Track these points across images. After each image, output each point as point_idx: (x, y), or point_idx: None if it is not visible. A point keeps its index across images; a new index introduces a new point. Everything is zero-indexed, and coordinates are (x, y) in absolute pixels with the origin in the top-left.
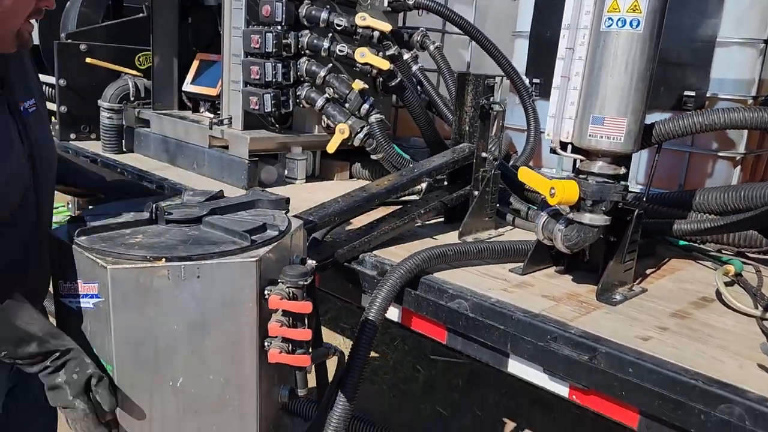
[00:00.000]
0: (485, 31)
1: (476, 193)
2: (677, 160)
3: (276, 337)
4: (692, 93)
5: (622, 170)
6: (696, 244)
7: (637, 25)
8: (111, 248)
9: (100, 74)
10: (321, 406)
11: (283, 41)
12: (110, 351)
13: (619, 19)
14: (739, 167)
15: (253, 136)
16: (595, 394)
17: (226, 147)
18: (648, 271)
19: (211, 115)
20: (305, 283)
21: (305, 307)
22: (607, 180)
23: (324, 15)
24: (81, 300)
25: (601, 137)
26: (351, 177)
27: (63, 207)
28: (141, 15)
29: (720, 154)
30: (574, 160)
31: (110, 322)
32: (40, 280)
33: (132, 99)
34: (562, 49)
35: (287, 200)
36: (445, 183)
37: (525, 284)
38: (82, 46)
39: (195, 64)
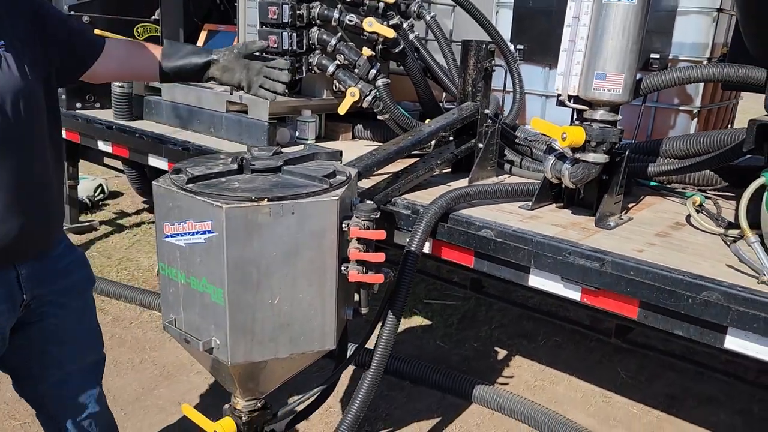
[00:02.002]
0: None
1: (481, 145)
2: (645, 114)
3: (352, 261)
4: (657, 55)
5: (619, 117)
6: (664, 185)
7: None
8: (220, 192)
9: None
10: (372, 322)
11: (297, 12)
12: (222, 276)
13: None
14: (695, 119)
15: (272, 102)
16: (603, 294)
17: (244, 111)
18: (630, 205)
19: None
20: (376, 216)
21: (380, 234)
22: (607, 125)
23: None
24: (191, 237)
25: (604, 90)
26: (353, 138)
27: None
28: None
29: (680, 108)
30: (573, 113)
31: (224, 252)
32: (48, 209)
33: None
34: (569, 18)
35: (340, 152)
36: (451, 138)
37: (535, 216)
38: (85, 18)
39: (203, 34)
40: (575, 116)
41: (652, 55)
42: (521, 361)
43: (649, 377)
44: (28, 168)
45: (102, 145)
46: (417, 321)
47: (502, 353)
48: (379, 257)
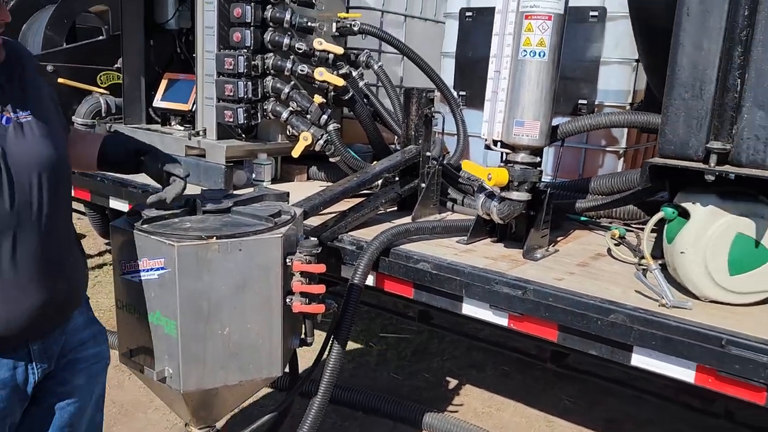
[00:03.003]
0: (415, 50)
1: (423, 185)
2: (576, 156)
3: (296, 293)
4: (584, 101)
5: (538, 159)
6: (593, 219)
7: (543, 56)
8: (173, 231)
9: (65, 93)
10: (319, 352)
11: (252, 63)
12: (175, 309)
13: (531, 51)
14: (622, 159)
15: (229, 145)
16: (527, 319)
17: (202, 155)
18: (558, 239)
19: (181, 128)
20: (317, 251)
21: (320, 268)
22: (527, 166)
23: (286, 40)
24: (146, 274)
25: (523, 136)
26: (308, 179)
27: None
28: (101, 38)
29: (607, 149)
30: (502, 155)
31: (176, 287)
32: (71, 282)
33: (104, 115)
34: (491, 72)
35: (287, 194)
36: (396, 179)
37: (469, 250)
38: (49, 67)
39: (164, 82)
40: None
41: (580, 101)
42: (470, 389)
43: (590, 402)
44: (53, 238)
45: None
46: (372, 354)
47: (452, 383)
48: (320, 289)
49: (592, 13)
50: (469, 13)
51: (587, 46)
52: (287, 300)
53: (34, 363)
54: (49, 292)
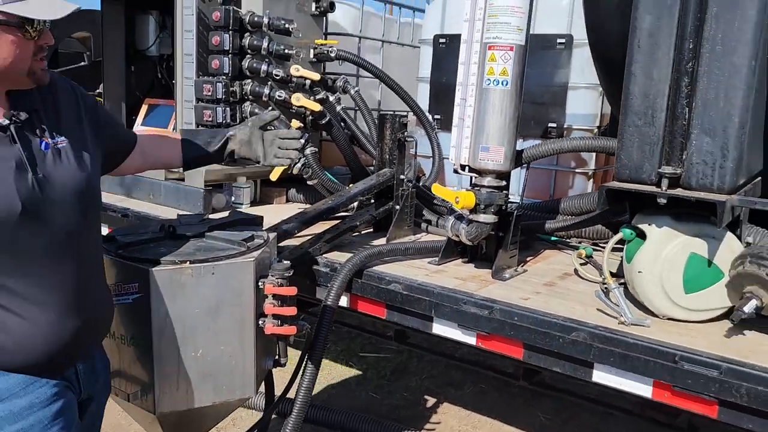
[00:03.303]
0: (392, 75)
1: (398, 207)
2: (547, 177)
3: (268, 315)
4: (554, 125)
5: (504, 183)
6: (563, 239)
7: (506, 84)
8: (147, 256)
9: None
10: (293, 372)
11: (230, 89)
12: (149, 333)
13: (494, 80)
14: (591, 180)
15: (208, 169)
16: (494, 338)
17: (181, 179)
18: (528, 258)
19: None
20: (289, 274)
21: (291, 290)
22: (493, 190)
23: (264, 67)
24: (121, 298)
25: (488, 161)
26: (287, 201)
27: None
28: (83, 63)
29: (577, 170)
30: (470, 178)
31: (151, 310)
32: (104, 302)
33: None
34: (458, 99)
35: (261, 218)
36: (372, 201)
37: (441, 271)
38: None
39: (144, 108)
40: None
41: (550, 125)
42: (448, 407)
43: (566, 418)
44: (87, 263)
45: None
46: (352, 373)
47: (430, 401)
48: (291, 311)
49: (559, 41)
50: (442, 40)
51: (555, 72)
52: (260, 322)
53: (80, 383)
54: (89, 312)
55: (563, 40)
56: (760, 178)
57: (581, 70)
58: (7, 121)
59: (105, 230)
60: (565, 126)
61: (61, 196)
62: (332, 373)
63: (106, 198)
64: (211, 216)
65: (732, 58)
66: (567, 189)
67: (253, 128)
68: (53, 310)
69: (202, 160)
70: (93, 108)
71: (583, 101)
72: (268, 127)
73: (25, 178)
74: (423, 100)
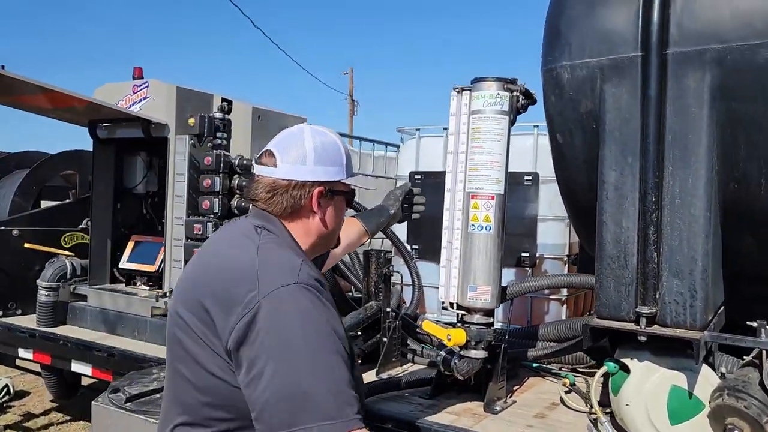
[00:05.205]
0: (367, 205)
1: (385, 339)
2: (524, 304)
3: None
4: (526, 254)
5: (491, 320)
6: (543, 365)
7: (490, 229)
8: (156, 408)
9: (28, 256)
10: None
11: (219, 227)
12: None
13: (478, 225)
14: (565, 305)
15: None
16: None
17: (166, 315)
18: (515, 388)
19: (146, 288)
20: None
21: None
22: (483, 326)
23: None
24: None
25: (476, 299)
26: None
27: None
28: (68, 201)
29: (551, 297)
30: (458, 315)
31: None
32: None
33: (69, 277)
34: (444, 242)
35: None
36: (359, 334)
37: (433, 405)
38: (15, 232)
39: (130, 244)
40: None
41: (523, 254)
42: None
43: None
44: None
45: (23, 353)
46: None
47: None
48: None
49: (526, 178)
50: (417, 176)
51: (525, 205)
52: None
53: None
54: None
55: (530, 177)
56: (723, 307)
57: (549, 204)
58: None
59: (88, 369)
60: (537, 255)
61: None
62: None
63: (89, 335)
64: None
65: (690, 209)
66: (543, 314)
67: (397, 199)
68: None
69: (379, 227)
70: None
71: (552, 232)
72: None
73: None
74: (401, 231)
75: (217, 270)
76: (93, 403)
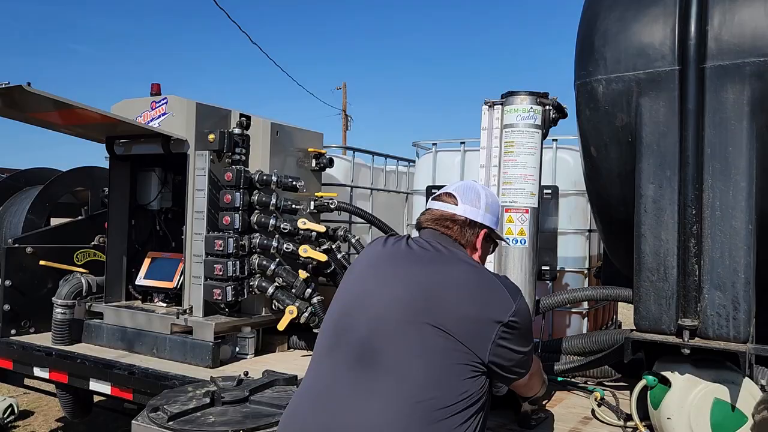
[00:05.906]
0: (382, 217)
1: None
2: (545, 316)
3: None
4: (547, 267)
5: None
6: (568, 378)
7: (525, 243)
8: (199, 427)
9: (41, 273)
10: None
11: (240, 243)
12: None
13: (513, 239)
14: (585, 318)
15: (216, 321)
16: None
17: (188, 332)
18: (544, 402)
19: (164, 305)
20: None
21: None
22: None
23: (272, 221)
24: None
25: None
26: (289, 348)
27: None
28: (80, 218)
29: (572, 310)
30: None
31: None
32: None
33: (84, 295)
34: None
35: (296, 377)
36: None
37: None
38: (28, 249)
39: (147, 261)
40: None
41: (543, 267)
42: None
43: None
44: None
45: (39, 372)
46: None
47: None
48: None
49: (546, 191)
50: (435, 190)
51: (546, 219)
52: None
53: None
54: None
55: (550, 191)
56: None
57: (568, 218)
58: None
59: (107, 388)
60: (558, 268)
61: None
62: None
63: (107, 353)
64: (226, 370)
65: (731, 222)
66: (564, 327)
67: None
68: None
69: None
70: None
71: (573, 245)
72: None
73: None
74: None
75: None
76: (133, 422)
